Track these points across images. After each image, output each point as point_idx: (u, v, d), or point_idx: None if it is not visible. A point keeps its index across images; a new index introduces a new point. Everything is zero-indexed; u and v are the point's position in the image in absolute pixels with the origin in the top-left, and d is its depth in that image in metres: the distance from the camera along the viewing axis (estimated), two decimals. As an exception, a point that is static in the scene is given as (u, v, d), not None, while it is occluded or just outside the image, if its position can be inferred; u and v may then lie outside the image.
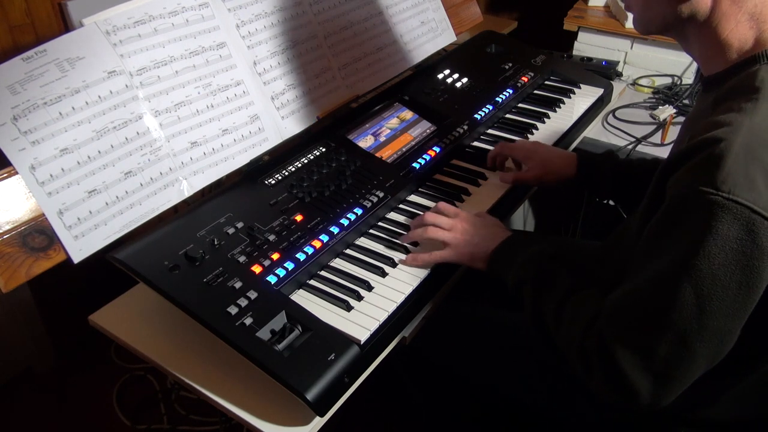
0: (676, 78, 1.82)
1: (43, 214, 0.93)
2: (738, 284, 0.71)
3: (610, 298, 0.81)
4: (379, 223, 1.15)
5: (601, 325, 0.79)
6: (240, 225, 1.03)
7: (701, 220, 0.70)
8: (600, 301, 0.83)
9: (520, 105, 1.58)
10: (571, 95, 1.63)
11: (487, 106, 1.49)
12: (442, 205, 1.12)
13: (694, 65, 1.81)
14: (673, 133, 1.57)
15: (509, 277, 0.96)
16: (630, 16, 1.85)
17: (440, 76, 1.57)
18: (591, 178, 1.23)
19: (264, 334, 0.87)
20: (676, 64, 1.84)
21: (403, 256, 1.06)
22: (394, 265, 1.05)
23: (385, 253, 1.07)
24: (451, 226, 1.05)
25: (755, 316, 0.74)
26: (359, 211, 1.12)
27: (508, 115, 1.54)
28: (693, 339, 0.73)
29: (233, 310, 0.88)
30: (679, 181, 0.75)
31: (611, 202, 1.57)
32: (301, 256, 1.01)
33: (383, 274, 1.03)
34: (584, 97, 1.63)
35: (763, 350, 0.83)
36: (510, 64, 1.67)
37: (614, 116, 1.66)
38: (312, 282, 1.02)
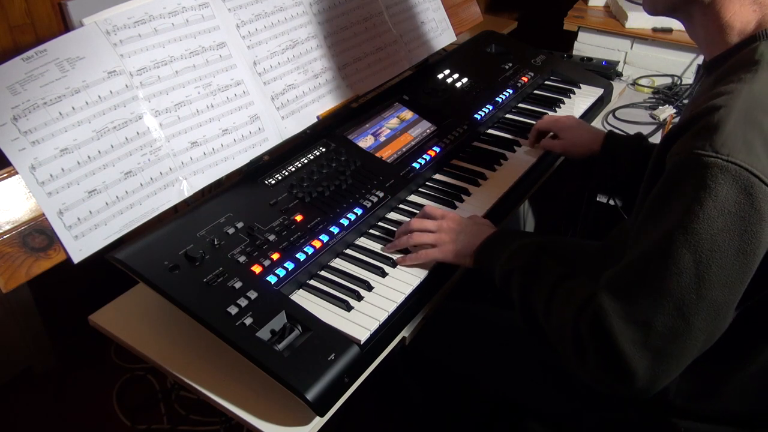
0: (676, 78, 1.82)
1: (43, 214, 0.93)
2: (736, 251, 0.71)
3: (607, 273, 0.81)
4: (379, 223, 1.15)
5: (597, 300, 0.78)
6: (240, 225, 1.03)
7: (700, 182, 0.71)
8: (592, 287, 0.82)
9: (520, 105, 1.58)
10: (571, 95, 1.63)
11: (487, 106, 1.49)
12: (429, 208, 1.12)
13: (694, 65, 1.81)
14: (673, 133, 1.57)
15: (496, 269, 0.96)
16: (630, 16, 1.86)
17: (440, 76, 1.57)
18: (612, 156, 1.27)
19: (264, 334, 0.87)
20: (676, 64, 1.84)
21: (403, 256, 1.06)
22: (394, 265, 1.05)
23: (385, 253, 1.07)
24: (437, 227, 1.06)
25: (752, 302, 0.74)
26: (359, 211, 1.12)
27: (508, 115, 1.54)
28: (691, 310, 0.72)
29: (233, 310, 0.88)
30: (678, 149, 0.76)
31: (611, 202, 1.57)
32: (301, 256, 1.01)
33: (383, 274, 1.03)
34: (584, 97, 1.63)
35: (762, 338, 0.83)
36: (510, 64, 1.67)
37: (614, 116, 1.66)
38: (312, 282, 1.02)
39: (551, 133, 1.40)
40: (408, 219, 1.16)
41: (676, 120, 1.61)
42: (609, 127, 1.61)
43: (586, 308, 0.80)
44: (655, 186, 0.79)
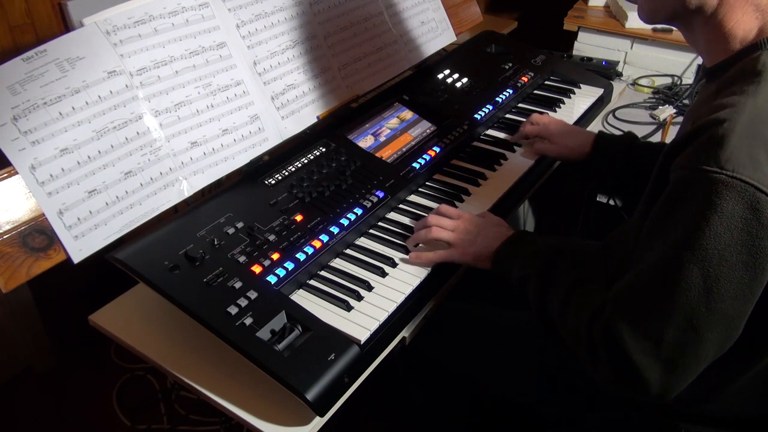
0: (676, 78, 1.82)
1: (43, 214, 0.93)
2: (744, 265, 0.71)
3: (616, 285, 0.81)
4: (379, 223, 1.15)
5: (607, 314, 0.79)
6: (240, 225, 1.03)
7: (706, 199, 0.71)
8: (606, 292, 0.83)
9: (520, 105, 1.58)
10: (571, 95, 1.63)
11: (487, 106, 1.49)
12: (444, 207, 1.12)
13: (694, 65, 1.81)
14: (673, 133, 1.57)
15: (514, 272, 0.96)
16: (630, 16, 1.86)
17: (440, 76, 1.57)
18: (604, 156, 1.27)
19: (264, 334, 0.87)
20: (676, 64, 1.84)
21: (403, 256, 1.06)
22: (394, 265, 1.05)
23: (385, 253, 1.07)
24: (454, 227, 1.05)
25: (757, 306, 0.74)
26: (359, 211, 1.12)
27: (508, 115, 1.54)
28: (701, 323, 0.72)
29: (233, 310, 0.88)
30: (682, 163, 0.75)
31: (611, 202, 1.57)
32: (301, 256, 1.01)
33: (383, 274, 1.03)
34: (584, 97, 1.63)
35: (764, 342, 0.83)
36: (510, 64, 1.67)
37: (614, 116, 1.66)
38: (312, 282, 1.01)
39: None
40: (408, 219, 1.16)
41: (677, 120, 1.61)
42: (609, 127, 1.61)
43: (598, 317, 0.81)
44: (659, 196, 0.79)
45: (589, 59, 1.82)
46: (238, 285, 0.93)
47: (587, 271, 0.92)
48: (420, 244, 1.08)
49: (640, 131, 1.58)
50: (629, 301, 0.78)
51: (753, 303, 0.74)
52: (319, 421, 0.85)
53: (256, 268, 0.96)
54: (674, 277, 0.73)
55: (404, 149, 1.32)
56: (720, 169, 0.70)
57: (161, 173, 1.06)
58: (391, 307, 0.96)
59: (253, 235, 1.02)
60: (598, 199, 1.62)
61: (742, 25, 0.82)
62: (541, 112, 1.53)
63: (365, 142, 1.31)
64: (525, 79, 1.62)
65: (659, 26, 1.85)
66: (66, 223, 0.95)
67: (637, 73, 1.86)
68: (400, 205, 1.20)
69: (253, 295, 0.91)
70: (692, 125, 0.78)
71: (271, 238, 1.02)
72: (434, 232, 1.05)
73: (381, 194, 1.17)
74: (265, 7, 1.23)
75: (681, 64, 1.83)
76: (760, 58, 0.80)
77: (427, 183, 1.27)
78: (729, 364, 0.82)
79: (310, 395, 0.80)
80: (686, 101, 1.68)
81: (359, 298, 0.97)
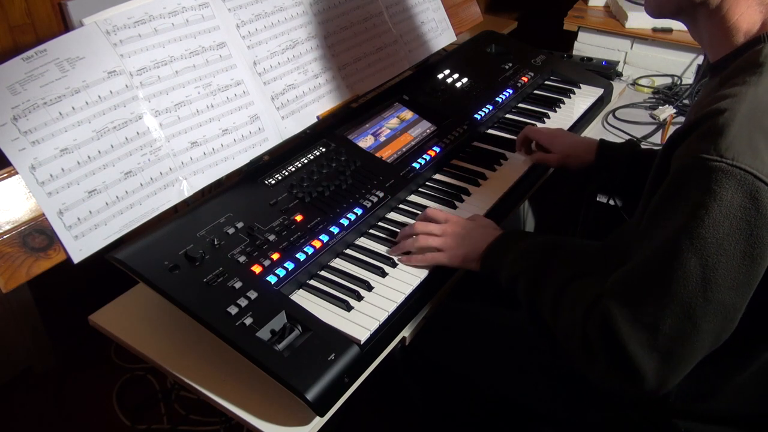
0: (676, 78, 1.82)
1: (43, 214, 0.93)
2: (742, 254, 0.71)
3: (613, 276, 0.81)
4: (379, 223, 1.15)
5: (603, 304, 0.78)
6: (240, 225, 1.03)
7: (705, 187, 0.71)
8: (600, 286, 0.82)
9: (520, 105, 1.58)
10: (571, 95, 1.63)
11: (487, 106, 1.49)
12: (431, 211, 1.11)
13: (694, 65, 1.81)
14: (673, 133, 1.57)
15: (503, 272, 0.96)
16: (630, 16, 1.86)
17: (440, 76, 1.57)
18: (608, 164, 1.26)
19: (264, 334, 0.87)
20: (676, 64, 1.84)
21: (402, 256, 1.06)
22: (394, 265, 1.05)
23: (385, 253, 1.07)
24: (442, 232, 1.05)
25: (754, 302, 0.74)
26: (359, 211, 1.12)
27: (508, 115, 1.54)
28: (698, 313, 0.72)
29: (233, 310, 0.88)
30: (683, 152, 0.76)
31: (611, 202, 1.57)
32: (301, 256, 1.01)
33: (383, 274, 1.03)
34: (584, 97, 1.63)
35: (762, 339, 0.83)
36: (510, 64, 1.67)
37: (614, 116, 1.66)
38: (312, 282, 1.01)
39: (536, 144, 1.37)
40: (408, 219, 1.16)
41: (677, 120, 1.61)
42: (609, 127, 1.61)
43: (593, 311, 0.80)
44: (659, 187, 0.79)
45: (589, 59, 1.82)
46: (238, 285, 0.93)
47: (584, 267, 0.92)
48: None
49: (640, 131, 1.58)
50: (626, 290, 0.77)
51: (750, 294, 0.74)
52: (319, 421, 0.85)
53: (256, 268, 0.96)
54: (672, 266, 0.73)
55: (404, 149, 1.32)
56: (720, 157, 0.70)
57: (161, 173, 1.06)
58: (391, 307, 0.96)
59: (253, 235, 1.02)
60: (598, 199, 1.62)
61: (746, 18, 0.83)
62: (542, 112, 1.53)
63: (365, 142, 1.31)
64: (525, 79, 1.62)
65: (659, 26, 1.85)
66: (66, 223, 0.95)
67: (637, 73, 1.86)
68: (400, 205, 1.20)
69: (253, 295, 0.91)
70: (694, 116, 0.78)
71: (271, 238, 1.02)
72: (421, 241, 1.05)
73: (381, 194, 1.17)
74: (265, 7, 1.23)
75: (681, 64, 1.83)
76: (762, 51, 0.80)
77: (427, 183, 1.27)
78: (727, 361, 0.82)
79: (310, 395, 0.80)
80: (686, 101, 1.68)
81: (359, 298, 0.97)
